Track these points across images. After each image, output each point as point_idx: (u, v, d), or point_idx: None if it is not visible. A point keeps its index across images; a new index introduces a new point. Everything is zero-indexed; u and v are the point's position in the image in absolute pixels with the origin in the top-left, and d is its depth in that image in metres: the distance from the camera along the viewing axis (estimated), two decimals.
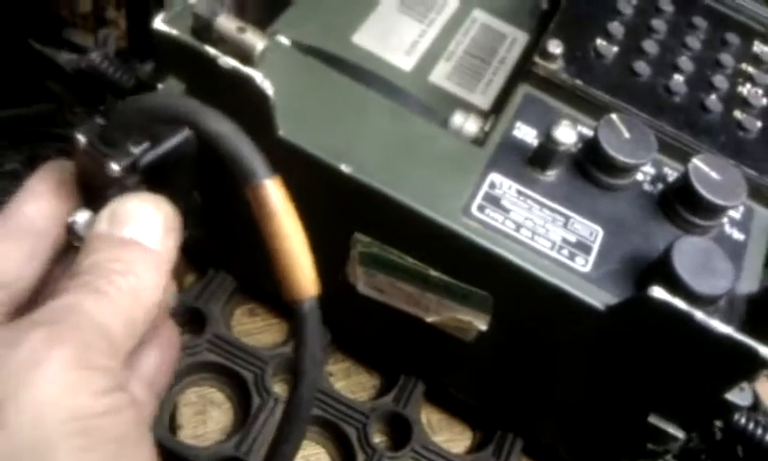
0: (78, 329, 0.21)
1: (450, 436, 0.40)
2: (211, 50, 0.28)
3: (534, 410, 0.36)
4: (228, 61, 0.28)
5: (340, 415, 0.37)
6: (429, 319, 0.34)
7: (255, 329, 0.41)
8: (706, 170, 0.30)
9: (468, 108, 0.39)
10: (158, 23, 0.28)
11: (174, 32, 0.29)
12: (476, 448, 0.38)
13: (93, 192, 0.27)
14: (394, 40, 0.41)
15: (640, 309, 0.27)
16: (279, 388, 0.38)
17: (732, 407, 0.29)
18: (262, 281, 0.40)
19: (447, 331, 0.34)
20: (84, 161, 0.27)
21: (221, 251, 0.39)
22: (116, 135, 0.26)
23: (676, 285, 0.27)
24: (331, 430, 0.37)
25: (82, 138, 0.26)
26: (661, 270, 0.28)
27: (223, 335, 0.37)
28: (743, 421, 0.32)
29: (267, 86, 0.28)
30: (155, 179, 0.29)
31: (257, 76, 0.28)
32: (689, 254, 0.28)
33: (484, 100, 0.40)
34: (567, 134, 0.30)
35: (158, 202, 0.26)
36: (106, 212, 0.25)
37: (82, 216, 0.26)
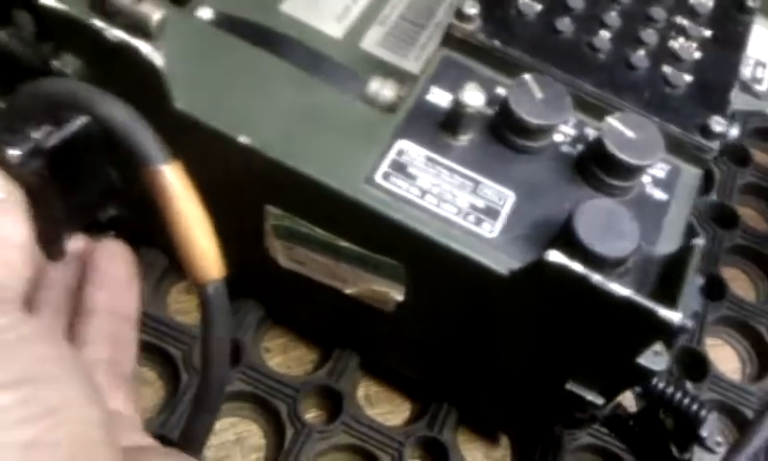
0: None
1: (390, 408, 0.39)
2: (98, 22, 0.28)
3: (463, 379, 0.35)
4: (116, 33, 0.27)
5: (270, 391, 0.36)
6: (348, 290, 0.33)
7: (193, 307, 0.40)
8: (621, 129, 0.29)
9: (399, 74, 0.38)
10: None
11: (58, 5, 0.28)
12: (413, 419, 0.38)
13: None
14: (324, 7, 0.40)
15: (540, 274, 0.26)
16: None
17: (647, 372, 0.28)
18: None
19: (369, 303, 0.33)
20: None
21: (150, 228, 0.39)
22: (16, 121, 0.26)
23: (577, 248, 0.26)
24: (262, 406, 0.37)
25: None
26: (565, 234, 0.27)
27: (152, 313, 0.37)
28: (661, 385, 0.31)
29: (156, 57, 0.27)
30: (63, 162, 0.29)
31: (145, 46, 0.27)
32: (592, 217, 0.27)
33: (417, 66, 0.39)
34: (475, 97, 0.29)
35: None
36: None
37: None
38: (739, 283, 0.48)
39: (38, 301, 0.31)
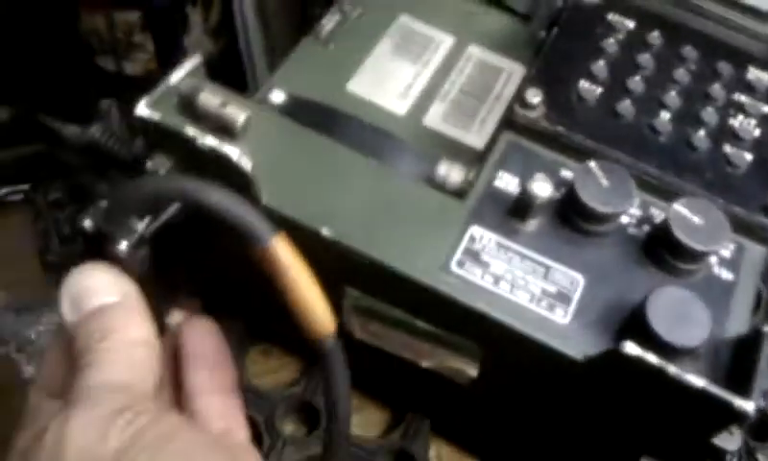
0: (84, 399, 0.25)
1: None
2: (191, 130, 0.30)
3: (534, 453, 0.36)
4: (207, 142, 0.29)
5: (348, 455, 0.38)
6: (424, 364, 0.35)
7: (270, 369, 0.42)
8: (687, 215, 0.30)
9: (461, 150, 0.39)
10: (141, 108, 0.30)
11: (154, 116, 0.30)
12: None
13: None
14: (388, 85, 0.42)
15: (616, 362, 0.27)
16: (290, 428, 0.40)
17: (720, 451, 0.29)
18: (274, 325, 0.41)
19: (444, 374, 0.35)
20: (91, 247, 0.29)
21: (233, 299, 0.41)
22: (119, 216, 0.29)
23: (650, 338, 0.27)
24: None
25: (89, 223, 0.29)
26: (638, 322, 0.28)
27: None
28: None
29: (245, 162, 0.29)
30: (159, 246, 0.31)
31: (235, 153, 0.29)
32: (664, 306, 0.28)
33: (479, 139, 0.40)
34: (543, 188, 0.31)
35: (93, 265, 0.28)
36: (65, 302, 0.28)
37: None
38: None
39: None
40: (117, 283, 0.28)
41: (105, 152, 0.35)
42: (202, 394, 0.31)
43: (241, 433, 0.31)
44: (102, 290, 0.28)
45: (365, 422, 0.41)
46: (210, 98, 0.31)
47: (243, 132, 0.32)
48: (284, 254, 0.28)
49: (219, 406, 0.31)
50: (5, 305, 0.67)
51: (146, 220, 0.30)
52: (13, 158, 0.73)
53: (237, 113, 0.31)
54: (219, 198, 0.28)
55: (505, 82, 0.43)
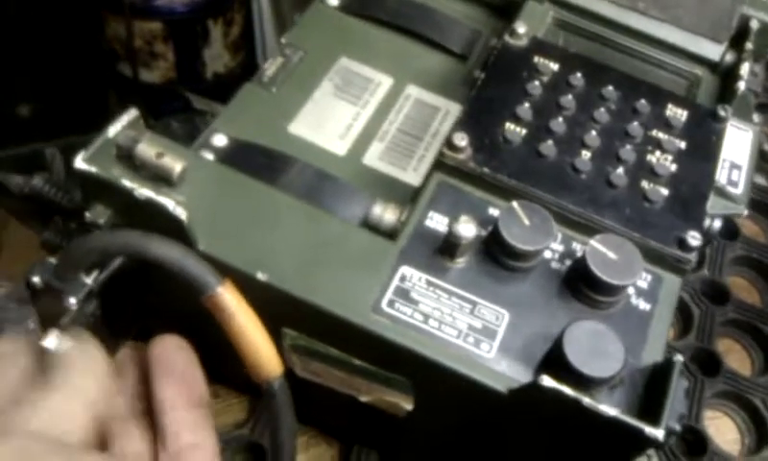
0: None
1: None
2: (127, 183, 0.31)
3: None
4: (143, 193, 0.31)
5: None
6: (362, 399, 0.36)
7: (217, 411, 0.43)
8: (602, 250, 0.32)
9: (398, 188, 0.41)
10: (79, 162, 0.31)
11: (92, 169, 0.31)
12: None
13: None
14: (328, 126, 0.44)
15: (537, 394, 0.29)
16: None
17: None
18: (221, 366, 0.42)
19: (383, 408, 0.36)
20: (40, 301, 0.30)
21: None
22: (69, 270, 0.30)
23: (568, 370, 0.29)
24: None
25: (36, 279, 0.30)
26: (556, 355, 0.30)
27: None
28: None
29: (180, 212, 0.31)
30: (106, 295, 0.32)
31: (170, 204, 0.30)
32: (580, 339, 0.29)
33: (416, 177, 0.42)
34: (468, 229, 0.32)
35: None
36: None
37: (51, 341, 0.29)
38: (735, 355, 0.50)
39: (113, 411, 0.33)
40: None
41: (47, 201, 0.36)
42: (170, 409, 0.31)
43: (212, 448, 0.32)
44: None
45: (314, 459, 0.42)
46: (147, 149, 0.33)
47: (180, 180, 0.33)
48: (230, 301, 0.30)
49: (188, 421, 0.31)
50: (7, 295, 0.68)
51: (94, 273, 0.31)
52: None
53: (174, 164, 0.33)
54: (164, 250, 0.29)
55: (442, 120, 0.45)
